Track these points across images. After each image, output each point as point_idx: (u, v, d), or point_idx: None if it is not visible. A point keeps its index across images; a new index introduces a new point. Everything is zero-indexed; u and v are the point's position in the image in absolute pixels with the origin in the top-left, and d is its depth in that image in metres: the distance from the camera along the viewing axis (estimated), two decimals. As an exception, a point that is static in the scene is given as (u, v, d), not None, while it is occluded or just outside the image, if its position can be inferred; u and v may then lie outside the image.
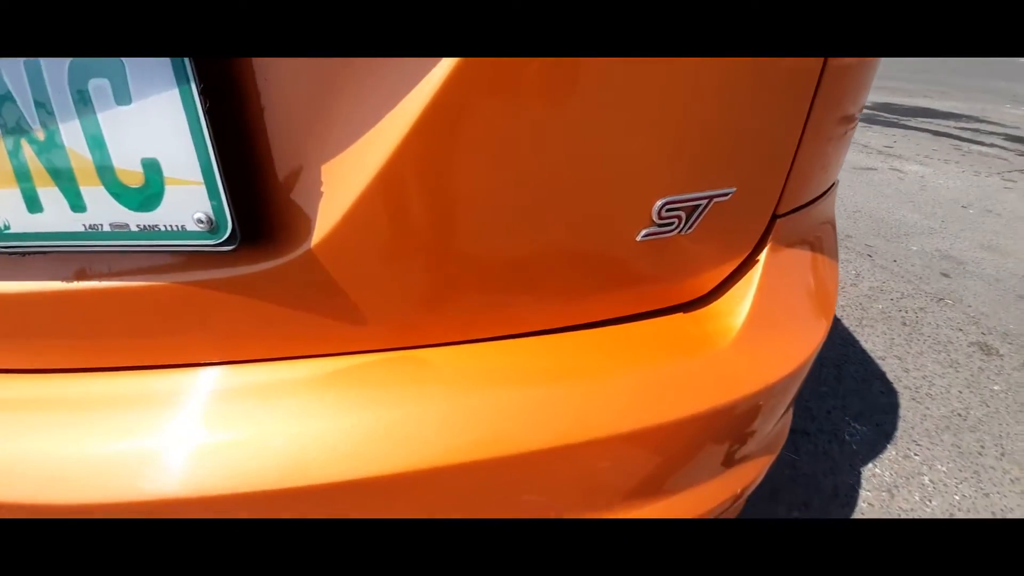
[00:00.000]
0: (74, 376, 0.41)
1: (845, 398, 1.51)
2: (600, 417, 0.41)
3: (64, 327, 0.39)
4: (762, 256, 0.50)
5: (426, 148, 0.35)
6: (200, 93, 0.30)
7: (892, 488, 1.23)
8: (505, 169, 0.37)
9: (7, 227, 0.35)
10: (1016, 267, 2.32)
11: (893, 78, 8.37)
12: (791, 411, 0.62)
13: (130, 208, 0.33)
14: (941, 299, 2.04)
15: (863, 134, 4.72)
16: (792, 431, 1.38)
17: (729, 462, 0.49)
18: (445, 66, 0.32)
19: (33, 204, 0.34)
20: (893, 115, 5.64)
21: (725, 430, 0.46)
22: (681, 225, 0.43)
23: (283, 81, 0.34)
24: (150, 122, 0.31)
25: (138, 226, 0.33)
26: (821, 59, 0.41)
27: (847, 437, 1.37)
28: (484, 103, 0.35)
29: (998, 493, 1.24)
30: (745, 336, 0.48)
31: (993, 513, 1.19)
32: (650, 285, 0.48)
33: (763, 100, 0.40)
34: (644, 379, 0.44)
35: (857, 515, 1.16)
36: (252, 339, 0.40)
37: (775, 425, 0.54)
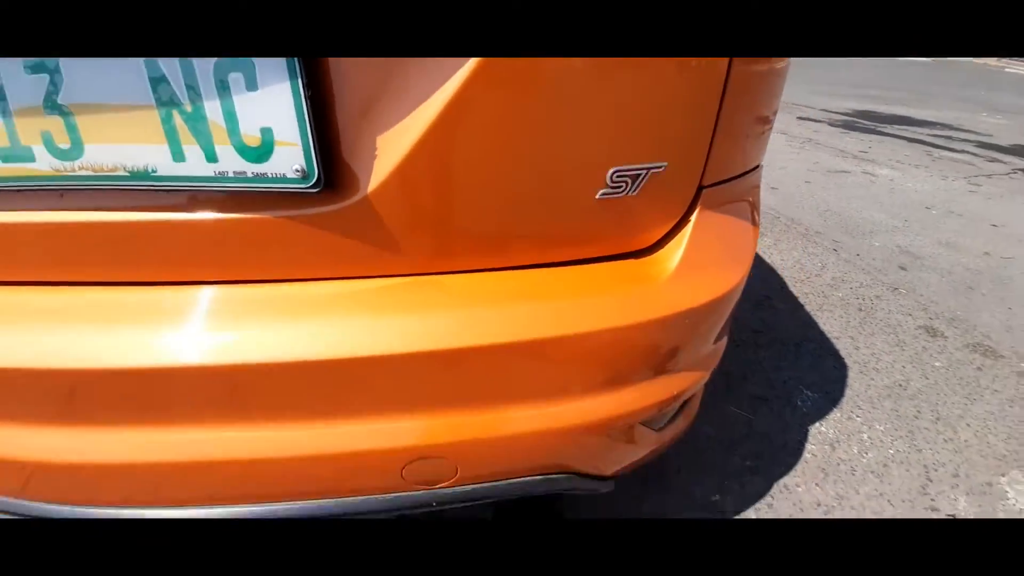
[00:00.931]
0: (199, 287, 0.57)
1: (801, 371, 1.68)
2: (569, 321, 0.58)
3: (193, 249, 0.55)
4: (693, 217, 0.67)
5: (445, 131, 0.52)
6: (305, 86, 0.46)
7: (834, 442, 1.41)
8: (503, 146, 0.54)
9: (154, 171, 0.50)
10: (970, 262, 2.52)
11: (875, 86, 8.65)
12: (723, 343, 0.79)
13: (249, 160, 0.49)
14: (896, 289, 2.23)
15: (840, 139, 4.95)
16: (750, 396, 1.56)
17: (665, 367, 0.66)
18: (457, 79, 0.49)
19: (178, 156, 0.49)
20: (872, 122, 5.88)
21: (661, 337, 0.63)
22: (628, 188, 0.60)
23: (349, 80, 0.50)
24: (269, 103, 0.47)
25: (253, 173, 0.49)
26: (726, 66, 0.57)
27: (799, 403, 1.55)
28: (489, 103, 0.51)
29: (930, 449, 1.41)
30: (677, 274, 0.64)
31: (925, 466, 1.36)
32: (608, 235, 0.64)
33: (682, 96, 0.57)
34: (603, 298, 0.61)
35: (801, 464, 1.33)
36: (323, 261, 0.57)
37: (704, 346, 0.71)
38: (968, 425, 1.50)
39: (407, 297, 0.58)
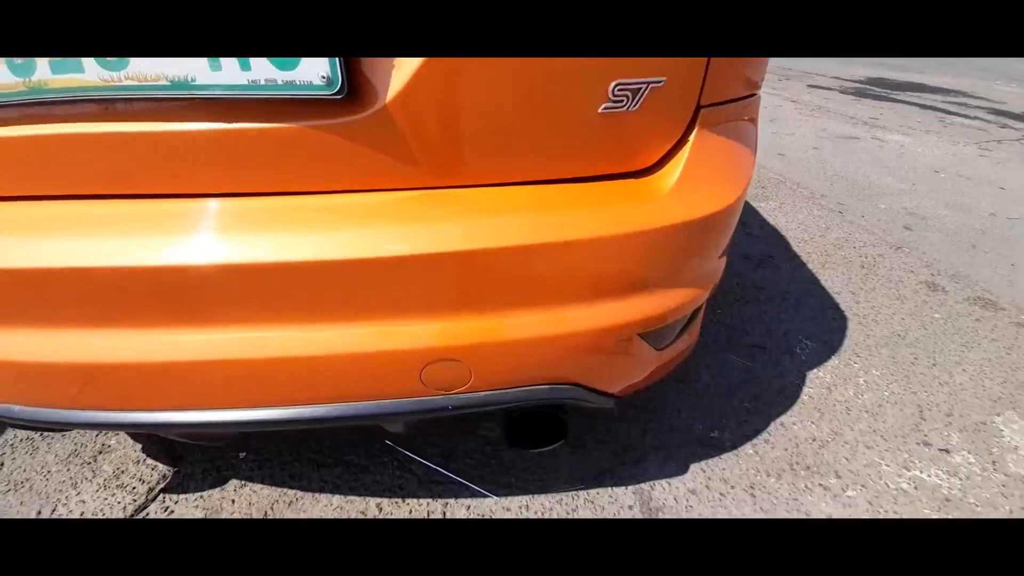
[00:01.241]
0: (234, 198, 0.62)
1: (801, 323, 1.72)
2: (570, 228, 0.63)
3: (228, 159, 0.59)
4: (691, 137, 0.70)
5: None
6: None
7: (831, 386, 1.45)
8: (511, 63, 0.58)
9: (194, 80, 0.55)
10: (975, 222, 2.52)
11: (890, 55, 8.46)
12: (721, 263, 0.83)
13: (279, 68, 0.53)
14: (899, 247, 2.25)
15: (851, 106, 4.87)
16: (750, 346, 1.60)
17: (662, 280, 0.71)
18: None
19: (215, 65, 0.54)
20: (884, 89, 5.78)
21: (658, 248, 0.67)
22: (629, 103, 0.63)
23: None
24: (297, 11, 0.51)
25: (283, 81, 0.54)
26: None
27: (798, 351, 1.59)
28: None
29: (925, 392, 1.45)
30: (676, 190, 0.68)
31: (919, 407, 1.41)
32: (610, 152, 0.68)
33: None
34: (604, 209, 0.65)
35: (797, 405, 1.38)
36: (344, 171, 0.61)
37: (702, 263, 0.75)
38: (964, 370, 1.54)
39: (423, 206, 0.63)
